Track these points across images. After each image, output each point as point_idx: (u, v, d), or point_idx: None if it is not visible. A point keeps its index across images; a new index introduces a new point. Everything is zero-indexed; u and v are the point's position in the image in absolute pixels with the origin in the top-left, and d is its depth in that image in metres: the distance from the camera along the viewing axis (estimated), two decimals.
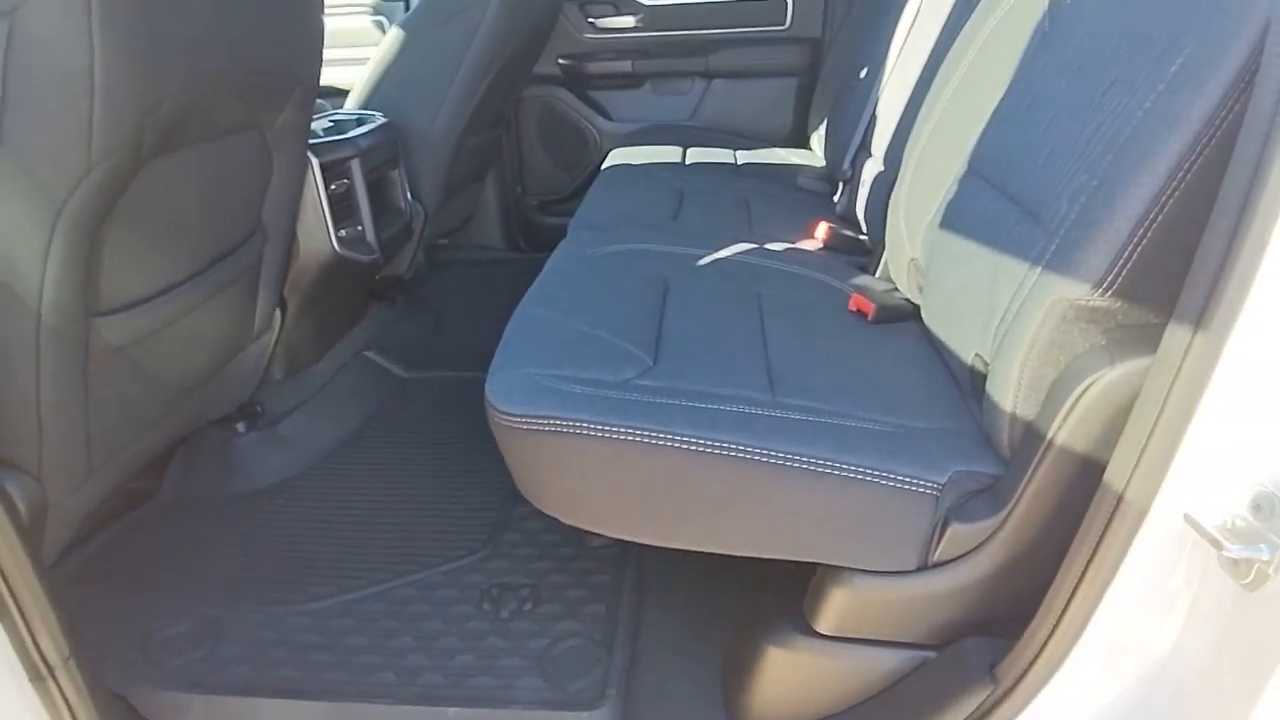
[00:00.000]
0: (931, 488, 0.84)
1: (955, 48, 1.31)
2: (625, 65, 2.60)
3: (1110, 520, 0.69)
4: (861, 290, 1.29)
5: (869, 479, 0.83)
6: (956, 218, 1.11)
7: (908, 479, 0.84)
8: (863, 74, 1.92)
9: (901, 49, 1.74)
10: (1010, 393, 0.83)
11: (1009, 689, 0.79)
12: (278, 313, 1.59)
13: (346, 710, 1.08)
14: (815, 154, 2.38)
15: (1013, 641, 0.81)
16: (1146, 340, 0.72)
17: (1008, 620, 0.83)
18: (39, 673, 0.88)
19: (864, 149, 1.76)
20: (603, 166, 2.15)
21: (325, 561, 1.36)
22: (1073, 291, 0.75)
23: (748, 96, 2.59)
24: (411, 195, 1.99)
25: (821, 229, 1.57)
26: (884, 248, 1.40)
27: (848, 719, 0.94)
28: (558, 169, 2.75)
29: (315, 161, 1.55)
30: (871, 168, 1.65)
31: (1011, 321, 0.84)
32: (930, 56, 1.51)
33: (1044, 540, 0.80)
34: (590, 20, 2.58)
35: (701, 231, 1.56)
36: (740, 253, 1.45)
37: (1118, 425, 0.71)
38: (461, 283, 2.55)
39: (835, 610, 0.91)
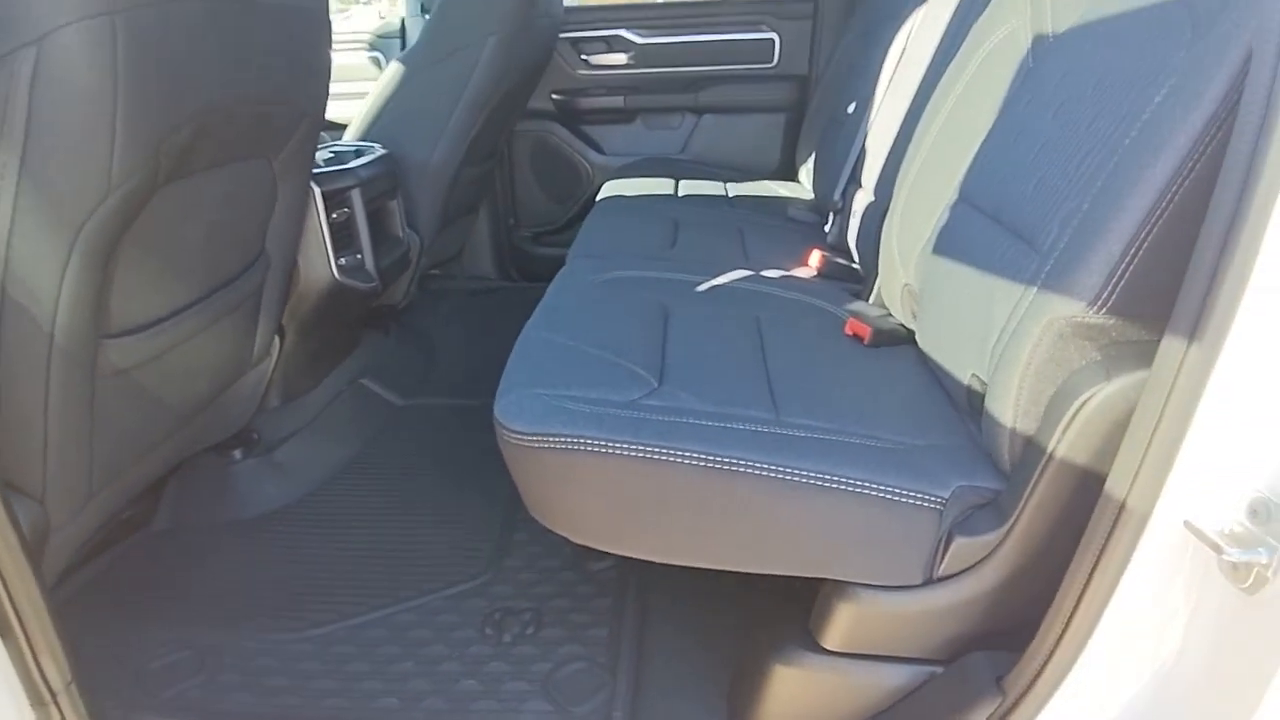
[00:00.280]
0: (935, 502, 0.86)
1: (942, 84, 1.36)
2: (617, 101, 2.66)
3: (1112, 530, 0.71)
4: (857, 315, 1.32)
5: (875, 493, 0.85)
6: (949, 244, 1.15)
7: (912, 493, 0.85)
8: (850, 109, 1.98)
9: (888, 86, 1.80)
10: (1009, 409, 0.85)
11: (1016, 700, 0.80)
12: (276, 339, 1.60)
13: None
14: (804, 186, 2.43)
15: (1019, 653, 0.82)
16: (1140, 355, 0.75)
17: (1013, 633, 0.85)
18: (41, 698, 0.87)
19: (854, 180, 1.81)
20: (597, 198, 2.19)
21: (324, 587, 1.35)
22: (1068, 309, 0.78)
23: (737, 131, 2.66)
24: (408, 225, 2.02)
25: (815, 257, 1.61)
26: (877, 274, 1.43)
27: None
28: (550, 201, 2.79)
29: (317, 190, 1.57)
30: (862, 198, 1.70)
31: (1009, 340, 0.87)
32: (917, 92, 1.56)
33: (1047, 552, 0.82)
34: (583, 57, 2.64)
35: (698, 259, 1.59)
36: (737, 279, 1.48)
37: (1115, 438, 0.74)
38: (454, 312, 2.57)
39: (842, 626, 0.92)
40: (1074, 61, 1.02)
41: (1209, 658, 0.68)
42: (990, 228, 1.04)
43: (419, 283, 2.28)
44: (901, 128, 1.57)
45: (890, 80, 1.80)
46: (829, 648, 0.93)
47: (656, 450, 0.86)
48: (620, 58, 2.64)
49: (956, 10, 1.55)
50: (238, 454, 1.60)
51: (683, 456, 0.86)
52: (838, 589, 0.92)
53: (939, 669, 0.91)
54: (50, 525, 1.03)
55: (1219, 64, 0.69)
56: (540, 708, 1.10)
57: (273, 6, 1.08)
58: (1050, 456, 0.79)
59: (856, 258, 1.68)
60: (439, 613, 1.29)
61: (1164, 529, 0.68)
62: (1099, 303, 0.76)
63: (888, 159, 1.59)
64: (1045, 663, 0.78)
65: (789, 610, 1.00)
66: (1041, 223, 0.91)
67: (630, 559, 1.36)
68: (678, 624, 1.26)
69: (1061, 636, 0.76)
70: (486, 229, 2.77)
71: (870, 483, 0.86)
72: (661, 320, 1.24)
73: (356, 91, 2.36)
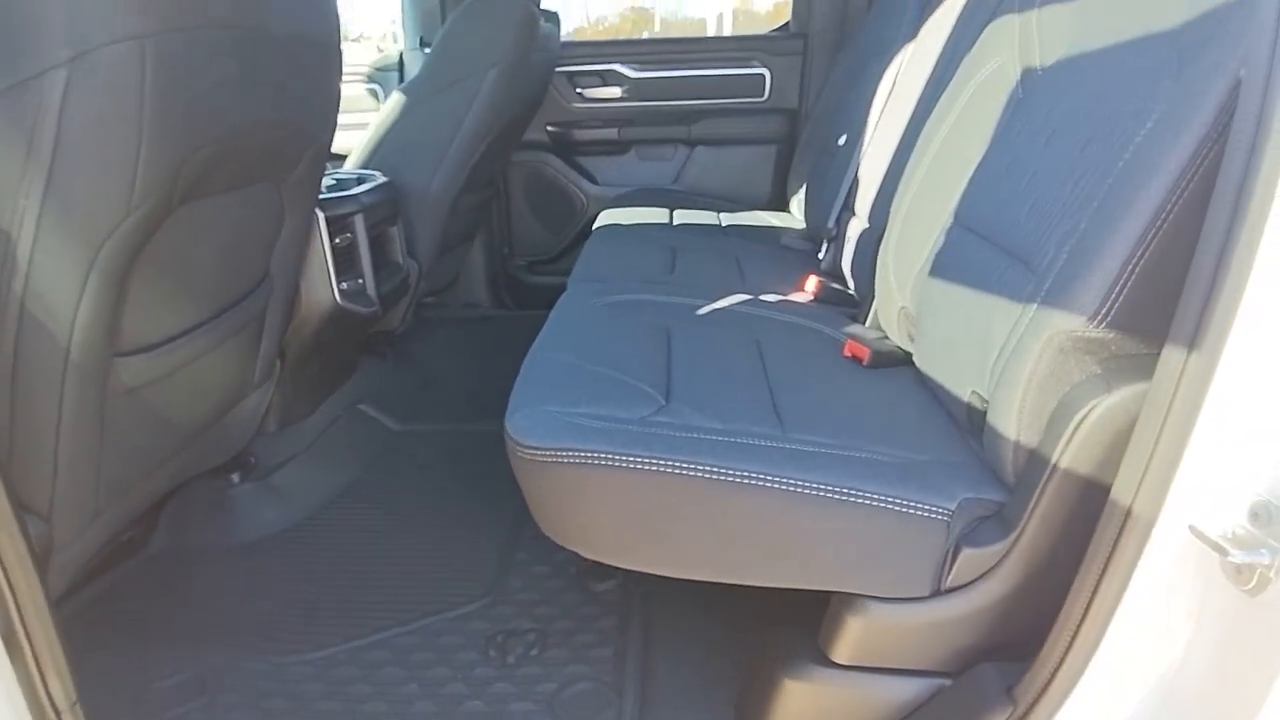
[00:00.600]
0: (943, 513, 0.87)
1: (934, 115, 1.41)
2: (611, 133, 2.71)
3: (1118, 536, 0.73)
4: (855, 337, 1.35)
5: (884, 505, 0.87)
6: (946, 267, 1.19)
7: (919, 505, 0.87)
8: (841, 141, 2.04)
9: (879, 118, 1.86)
10: (1012, 423, 0.88)
11: (1027, 710, 0.81)
12: (277, 362, 1.60)
13: None
14: (795, 216, 2.49)
15: (1028, 663, 0.84)
16: (1139, 368, 0.78)
17: (1021, 643, 0.86)
18: (46, 716, 0.86)
19: (847, 208, 1.86)
20: (594, 226, 2.23)
21: (324, 610, 1.34)
22: (1068, 324, 0.81)
23: (729, 163, 2.72)
24: (408, 252, 2.04)
25: (811, 282, 1.64)
26: (873, 298, 1.47)
27: None
28: (545, 230, 2.83)
29: (321, 215, 1.59)
30: (856, 225, 1.74)
31: (1010, 357, 0.89)
32: (909, 124, 1.61)
33: (1052, 562, 0.84)
34: (578, 90, 2.70)
35: (697, 284, 1.62)
36: (736, 303, 1.51)
37: (1117, 448, 0.76)
38: (449, 339, 2.58)
39: (851, 639, 0.93)
40: (1063, 92, 1.07)
41: (1215, 660, 0.70)
42: (987, 250, 1.08)
43: (414, 311, 2.30)
44: (894, 158, 1.62)
45: (881, 113, 1.86)
46: (839, 661, 0.94)
47: (669, 464, 0.88)
48: (614, 91, 2.70)
49: (945, 46, 1.61)
50: (235, 477, 1.60)
51: (695, 470, 0.88)
52: (847, 602, 0.93)
53: (948, 681, 0.92)
54: (54, 544, 1.03)
55: (1207, 92, 0.73)
56: None
57: (288, 36, 1.11)
58: (1054, 467, 0.82)
59: (851, 283, 1.72)
60: (441, 634, 1.28)
61: (1169, 534, 0.70)
62: (1098, 318, 0.79)
63: (881, 187, 1.63)
64: (1055, 671, 0.79)
65: (797, 625, 1.01)
66: (1037, 244, 0.94)
67: (633, 579, 1.38)
68: (683, 643, 1.26)
69: (1071, 644, 0.78)
70: (481, 257, 2.80)
71: (878, 495, 0.87)
72: (665, 341, 1.26)
73: (355, 122, 2.39)
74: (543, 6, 2.50)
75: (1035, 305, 0.87)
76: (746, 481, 0.87)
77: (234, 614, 1.32)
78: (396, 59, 2.81)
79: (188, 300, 1.15)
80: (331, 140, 1.42)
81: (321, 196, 1.63)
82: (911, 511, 0.87)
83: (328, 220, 1.61)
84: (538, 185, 2.78)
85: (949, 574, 0.88)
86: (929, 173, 1.37)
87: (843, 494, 0.87)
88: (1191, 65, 0.78)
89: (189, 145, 0.95)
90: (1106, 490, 0.76)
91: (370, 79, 2.78)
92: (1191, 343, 0.67)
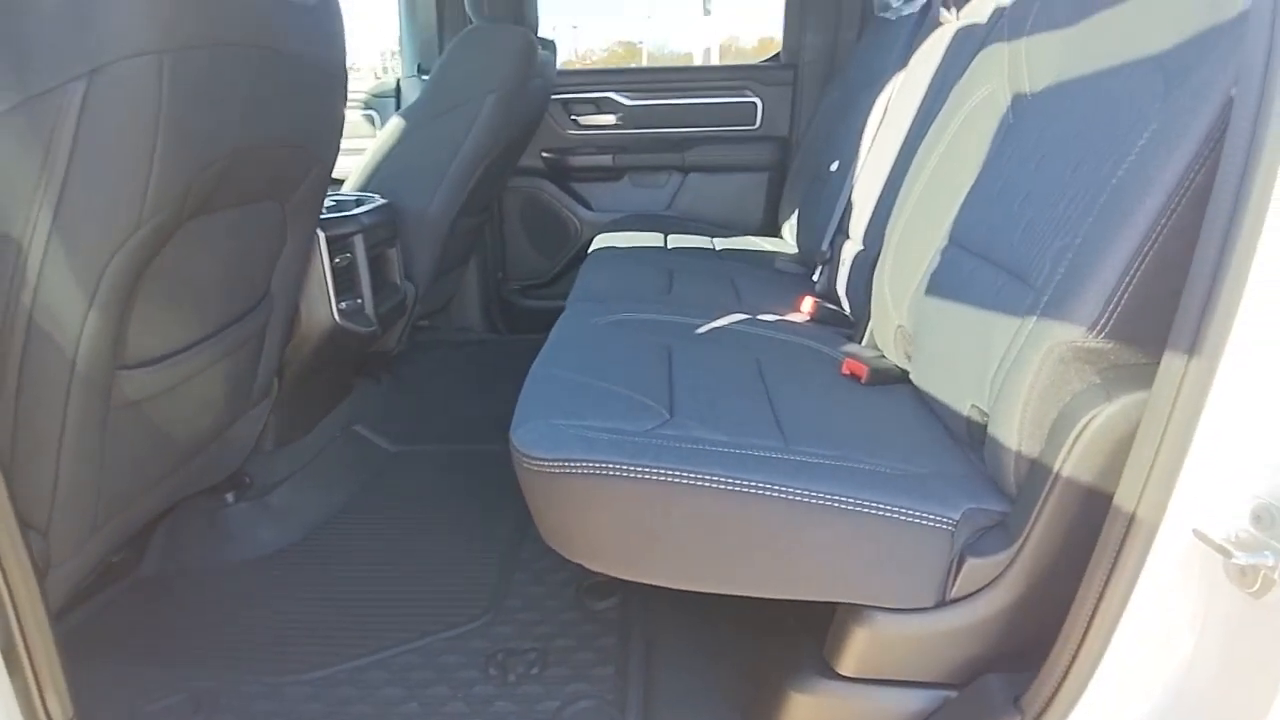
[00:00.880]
0: (947, 523, 0.88)
1: (926, 141, 1.44)
2: (606, 159, 2.75)
3: (1123, 542, 0.74)
4: (853, 355, 1.37)
5: (889, 515, 0.88)
6: (942, 285, 1.21)
7: (924, 515, 0.88)
8: (833, 167, 2.08)
9: (871, 145, 1.90)
10: (1014, 434, 0.89)
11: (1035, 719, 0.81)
12: (275, 381, 1.60)
13: None
14: (787, 241, 2.52)
15: (1034, 673, 0.84)
16: (1137, 377, 0.79)
17: (1026, 653, 0.87)
18: None
19: (841, 232, 1.89)
20: (590, 248, 2.25)
21: (322, 630, 1.32)
22: (1068, 335, 0.83)
23: (721, 189, 2.76)
24: (405, 274, 2.05)
25: (807, 303, 1.66)
26: (869, 318, 1.49)
27: None
28: (540, 255, 2.85)
29: (321, 235, 1.60)
30: (850, 248, 1.77)
31: (1010, 369, 0.91)
32: (901, 149, 1.65)
33: (1056, 570, 0.85)
34: (573, 118, 2.74)
35: (695, 304, 1.64)
36: (734, 322, 1.53)
37: (1118, 455, 0.78)
38: (442, 363, 2.58)
39: (857, 651, 0.93)
40: (1053, 117, 1.11)
41: (1221, 664, 0.71)
42: (983, 268, 1.10)
43: (409, 333, 2.30)
44: (888, 182, 1.65)
45: (873, 140, 1.90)
46: (844, 674, 0.94)
47: (678, 474, 0.88)
48: (609, 118, 2.74)
49: (935, 75, 1.65)
50: (230, 497, 1.58)
51: (703, 480, 0.88)
52: (853, 613, 0.93)
53: (954, 693, 0.92)
54: (51, 559, 1.01)
55: (1197, 111, 0.76)
56: None
57: (298, 58, 1.13)
58: (1056, 476, 0.83)
59: (846, 304, 1.74)
60: (441, 654, 1.27)
61: (1172, 539, 0.71)
62: (1097, 328, 0.81)
63: (875, 211, 1.67)
64: (1062, 679, 0.80)
65: (802, 638, 1.01)
66: (1033, 261, 0.97)
67: (633, 598, 1.38)
68: (684, 660, 1.26)
69: (1076, 652, 0.78)
70: (475, 282, 2.81)
71: (883, 505, 0.88)
72: (666, 358, 1.27)
73: (352, 148, 2.41)
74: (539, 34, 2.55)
75: (1034, 318, 0.89)
76: (754, 491, 0.88)
77: (229, 634, 1.31)
78: (393, 86, 2.85)
79: (191, 315, 1.15)
80: (334, 162, 1.44)
81: (322, 217, 1.64)
82: (916, 521, 0.88)
83: (328, 240, 1.61)
84: (533, 210, 2.81)
85: (954, 584, 0.89)
86: (923, 196, 1.40)
87: (849, 504, 0.88)
88: (1181, 86, 0.81)
89: (202, 160, 0.96)
90: (1108, 498, 0.78)
91: (367, 105, 2.82)
92: (1191, 350, 0.69)
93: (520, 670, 1.22)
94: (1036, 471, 0.87)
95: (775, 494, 0.88)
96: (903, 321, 1.33)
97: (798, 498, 0.88)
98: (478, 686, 1.19)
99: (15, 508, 0.94)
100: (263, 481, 1.63)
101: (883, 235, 1.47)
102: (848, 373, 1.33)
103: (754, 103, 2.70)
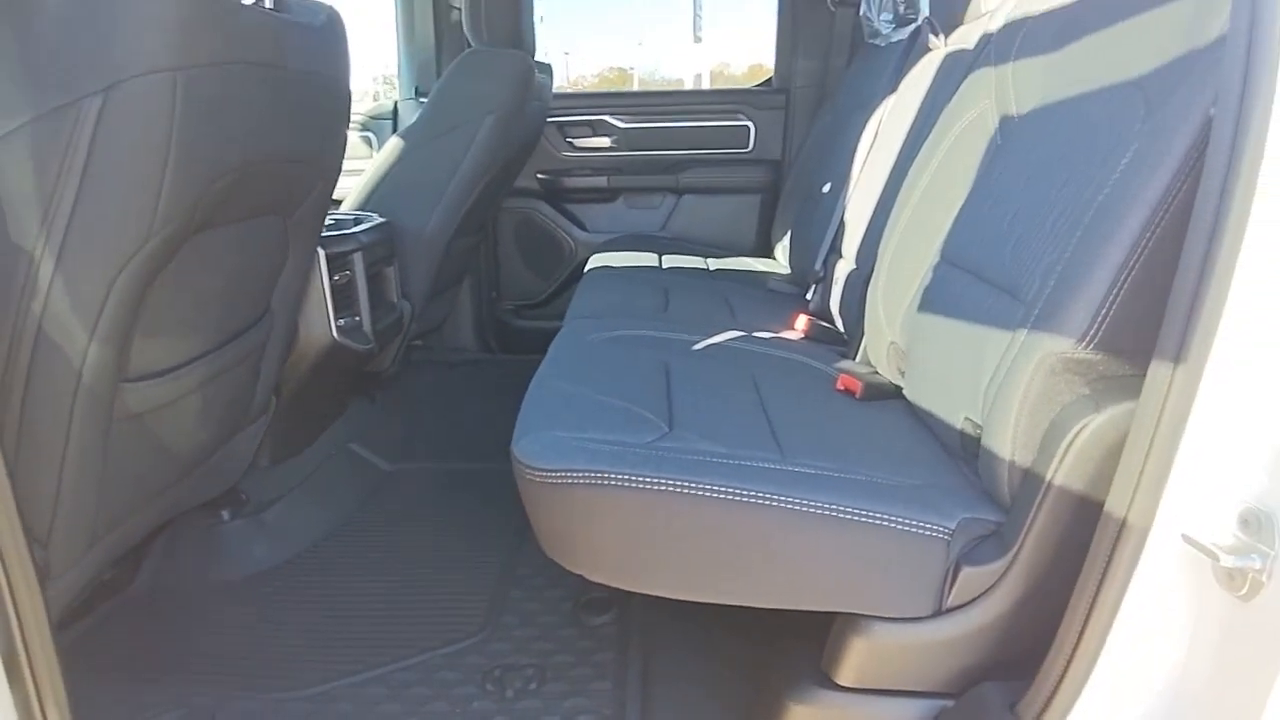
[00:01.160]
0: (943, 532, 0.90)
1: (917, 162, 1.48)
2: (601, 181, 2.79)
3: (1114, 548, 0.76)
4: (847, 371, 1.39)
5: (886, 524, 0.89)
6: (935, 301, 1.23)
7: (921, 524, 0.90)
8: (826, 189, 2.12)
9: (863, 166, 1.94)
10: (1007, 444, 0.91)
11: None
12: (273, 397, 1.60)
13: None
14: (779, 262, 2.56)
15: (1029, 681, 0.85)
16: (1125, 387, 0.82)
17: (1022, 662, 0.88)
18: None
19: (834, 252, 1.92)
20: (586, 268, 2.27)
21: (319, 647, 1.32)
22: (1058, 346, 0.85)
23: (715, 211, 2.80)
24: (401, 293, 2.06)
25: (801, 320, 1.69)
26: (862, 335, 1.51)
27: None
28: (534, 275, 2.88)
29: (321, 253, 1.62)
30: (844, 267, 1.80)
31: (1002, 381, 0.93)
32: (893, 171, 1.69)
33: (1050, 578, 0.86)
34: (569, 140, 2.78)
35: (691, 321, 1.66)
36: (730, 339, 1.55)
37: (1108, 464, 0.80)
38: (436, 382, 2.59)
39: (855, 661, 0.94)
40: (1040, 138, 1.14)
41: (1212, 667, 0.72)
42: (974, 285, 1.13)
43: (404, 352, 2.31)
44: (879, 203, 1.69)
45: (865, 161, 1.94)
46: (843, 684, 0.95)
47: (679, 484, 0.90)
48: (604, 141, 2.79)
49: (925, 98, 1.70)
50: (225, 514, 1.58)
51: (704, 490, 0.89)
52: (851, 623, 0.94)
53: (950, 702, 0.93)
54: (50, 571, 1.01)
55: (1177, 131, 0.79)
56: None
57: (304, 73, 1.15)
58: (1048, 485, 0.85)
59: (840, 322, 1.76)
60: (438, 669, 1.27)
61: (1162, 544, 0.73)
62: (1086, 339, 0.83)
63: (868, 231, 1.70)
64: (1057, 685, 0.81)
65: (799, 650, 1.02)
66: (1023, 277, 1.00)
67: (630, 613, 1.38)
68: (681, 675, 1.26)
69: (1071, 658, 0.80)
70: (469, 301, 2.83)
71: (881, 514, 0.90)
72: (664, 373, 1.29)
73: (350, 168, 2.44)
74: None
75: (1025, 330, 0.91)
76: (753, 501, 0.89)
77: (226, 650, 1.30)
78: (390, 108, 2.88)
79: (195, 328, 1.17)
80: (337, 179, 1.46)
81: (322, 235, 1.65)
82: (913, 530, 0.90)
83: (328, 258, 1.63)
84: (528, 231, 2.84)
85: (950, 593, 0.90)
86: (914, 215, 1.43)
87: (846, 513, 0.89)
88: (1161, 107, 0.84)
89: (211, 175, 0.98)
90: (1100, 506, 0.79)
91: (364, 127, 2.85)
92: (1176, 360, 0.71)
93: (518, 685, 1.22)
94: (1029, 481, 0.88)
95: (774, 503, 0.89)
96: (896, 338, 1.35)
97: (796, 507, 0.89)
98: (476, 702, 1.19)
99: (25, 515, 0.94)
100: (258, 498, 1.63)
101: (875, 254, 1.50)
102: (842, 388, 1.35)
103: (747, 126, 2.75)
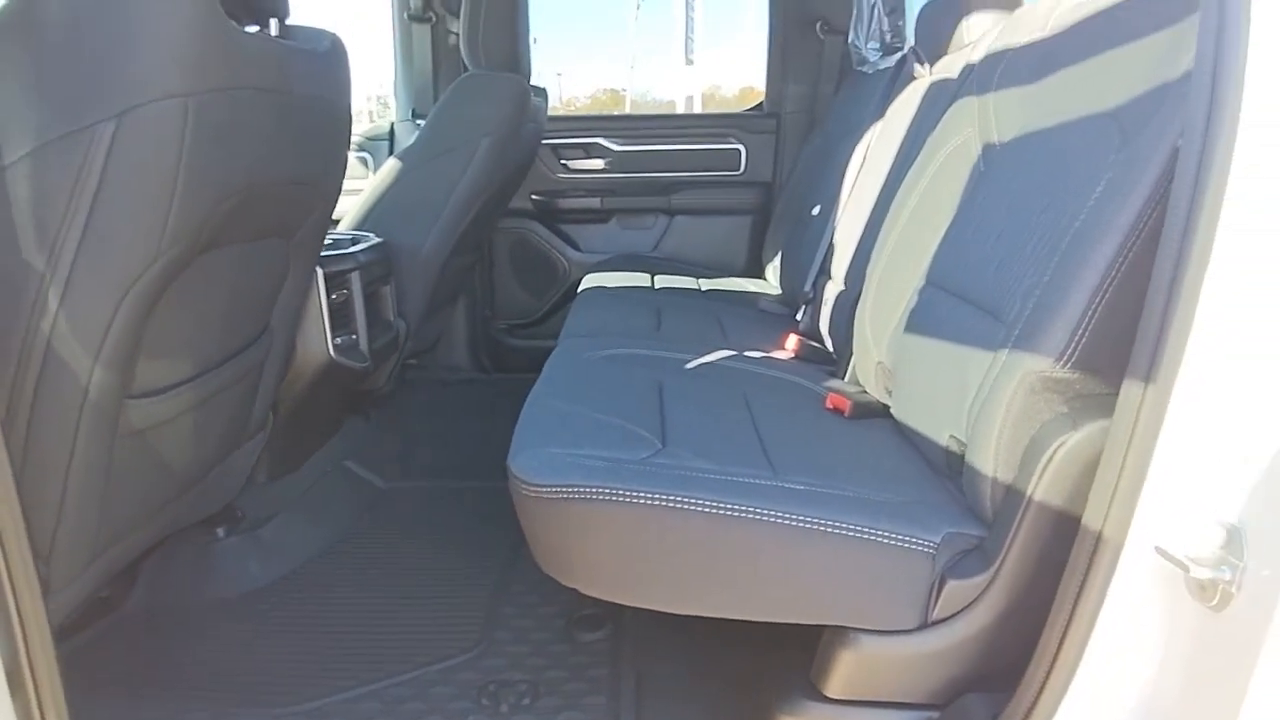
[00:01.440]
0: (928, 546, 0.93)
1: (903, 187, 1.52)
2: (594, 202, 2.83)
3: (1090, 561, 0.78)
4: (836, 390, 1.42)
5: (873, 538, 0.92)
6: (921, 323, 1.27)
7: (907, 538, 0.92)
8: (815, 211, 2.16)
9: (852, 190, 1.98)
10: (990, 461, 0.94)
11: None
12: (270, 414, 1.62)
13: None
14: (770, 283, 2.60)
15: (1011, 693, 0.88)
16: (1100, 406, 0.85)
17: (1006, 673, 0.90)
18: None
19: (823, 273, 1.96)
20: (580, 287, 2.31)
21: (313, 663, 1.33)
22: (1038, 365, 0.88)
23: (706, 232, 2.84)
24: (397, 311, 2.09)
25: (792, 340, 1.72)
26: (850, 355, 1.55)
27: None
28: (528, 295, 2.91)
29: (320, 271, 1.64)
30: (832, 288, 1.84)
31: (985, 399, 0.97)
32: (880, 195, 1.73)
33: (1032, 591, 0.89)
34: (563, 162, 2.83)
35: (683, 340, 1.69)
36: (722, 358, 1.58)
37: (1085, 480, 0.83)
38: (430, 401, 2.61)
39: (843, 673, 0.96)
40: (1021, 165, 1.18)
41: (1186, 676, 0.75)
42: (959, 306, 1.16)
43: (399, 371, 2.33)
44: (867, 226, 1.73)
45: (853, 185, 1.98)
46: (831, 696, 0.97)
47: (672, 499, 0.92)
48: (597, 163, 2.83)
49: (910, 125, 1.74)
50: (221, 531, 1.59)
51: (697, 505, 0.92)
52: (839, 636, 0.96)
53: (936, 714, 0.95)
54: (50, 586, 1.03)
55: (1149, 161, 0.83)
56: None
57: (309, 98, 1.19)
58: (1029, 501, 0.88)
59: (829, 342, 1.80)
60: (433, 685, 1.28)
61: (1137, 557, 0.76)
62: (1064, 358, 0.86)
63: (856, 253, 1.74)
64: (1037, 696, 0.83)
65: (790, 663, 1.04)
66: (1005, 298, 1.03)
67: (622, 629, 1.40)
68: (674, 690, 1.28)
69: (1050, 669, 0.82)
70: (462, 321, 2.86)
71: (868, 528, 0.92)
72: (657, 392, 1.32)
73: (347, 189, 2.47)
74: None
75: (1007, 350, 0.95)
76: (744, 516, 0.92)
77: (221, 667, 1.31)
78: (387, 129, 2.92)
79: (198, 346, 1.19)
80: (337, 200, 1.49)
81: (321, 254, 1.68)
82: (899, 544, 0.92)
83: (326, 276, 1.66)
84: (522, 251, 2.87)
85: (935, 606, 0.93)
86: (901, 238, 1.47)
87: (834, 528, 0.92)
88: (1135, 138, 0.88)
89: (218, 197, 1.01)
90: (1077, 520, 0.82)
91: (361, 148, 2.88)
92: (1147, 379, 0.74)
93: (512, 701, 1.23)
94: (1011, 496, 0.91)
95: (764, 518, 0.92)
96: (883, 358, 1.39)
97: (785, 522, 0.92)
98: (470, 717, 1.20)
99: (32, 529, 0.96)
100: (254, 515, 1.64)
101: (863, 276, 1.54)
102: (831, 407, 1.38)
103: (738, 149, 2.80)
